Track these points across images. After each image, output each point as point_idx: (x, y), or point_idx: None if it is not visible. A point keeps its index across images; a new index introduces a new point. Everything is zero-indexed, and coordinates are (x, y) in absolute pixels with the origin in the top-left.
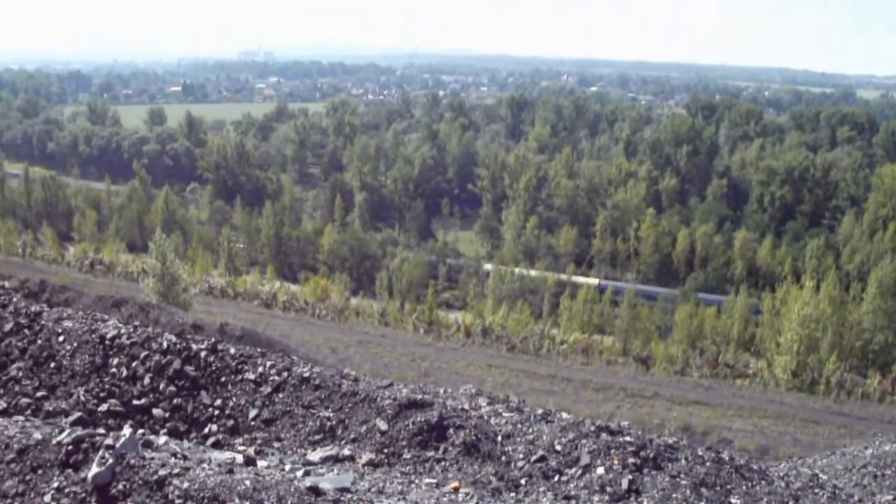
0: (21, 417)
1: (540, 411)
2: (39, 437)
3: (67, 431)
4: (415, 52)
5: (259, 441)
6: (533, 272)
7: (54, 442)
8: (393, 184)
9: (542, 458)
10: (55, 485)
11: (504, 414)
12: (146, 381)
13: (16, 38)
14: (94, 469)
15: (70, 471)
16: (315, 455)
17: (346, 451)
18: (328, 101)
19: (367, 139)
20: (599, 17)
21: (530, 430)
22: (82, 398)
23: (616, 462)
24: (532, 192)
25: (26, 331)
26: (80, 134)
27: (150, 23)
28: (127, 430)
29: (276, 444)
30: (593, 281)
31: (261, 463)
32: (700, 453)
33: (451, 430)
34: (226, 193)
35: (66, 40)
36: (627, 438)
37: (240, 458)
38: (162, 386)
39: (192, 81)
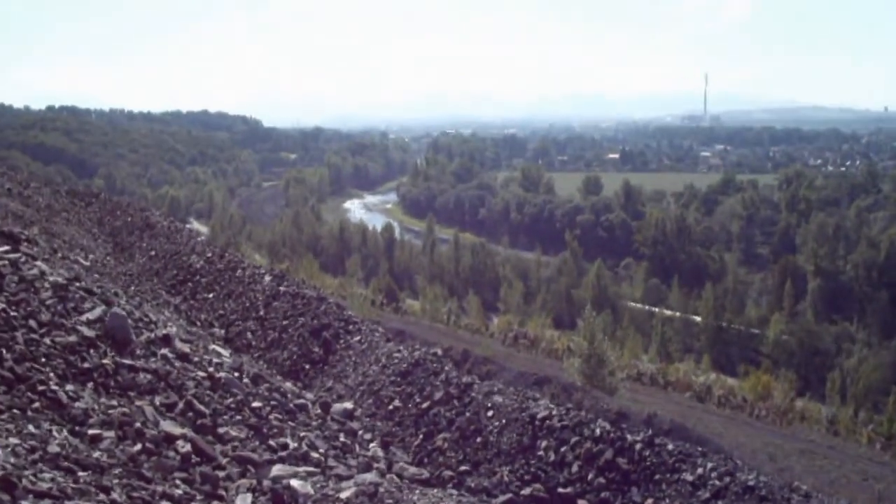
0: (455, 491)
1: None
2: None
3: None
4: (884, 115)
5: None
6: None
7: None
8: (854, 269)
9: None
10: None
11: None
12: (574, 468)
13: (463, 104)
14: None
15: None
16: None
17: None
18: (781, 172)
19: (824, 217)
20: None
21: None
22: (506, 478)
23: None
24: None
25: (456, 402)
26: (512, 200)
27: (584, 84)
28: None
29: None
30: None
31: None
32: None
33: None
34: (662, 271)
35: (506, 107)
36: None
37: None
38: (591, 476)
39: (630, 148)
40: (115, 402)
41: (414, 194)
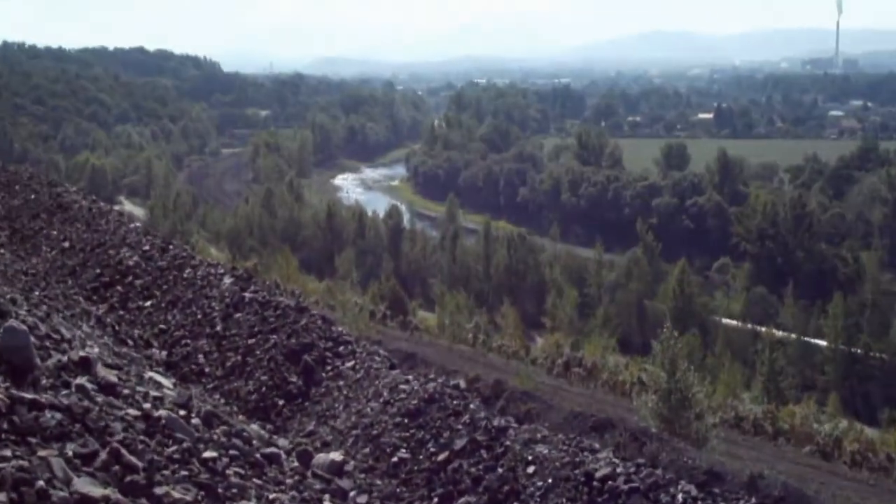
0: None
1: None
2: None
3: None
4: None
5: None
6: None
7: None
8: None
9: None
10: None
11: None
12: None
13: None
14: None
15: None
16: None
17: None
18: None
19: None
20: None
21: None
22: None
23: None
24: None
25: (484, 453)
26: (564, 177)
27: (666, 18)
28: None
29: None
30: None
31: None
32: None
33: None
34: (773, 276)
35: (558, 48)
36: None
37: None
38: None
39: (729, 105)
40: (8, 453)
41: (429, 167)
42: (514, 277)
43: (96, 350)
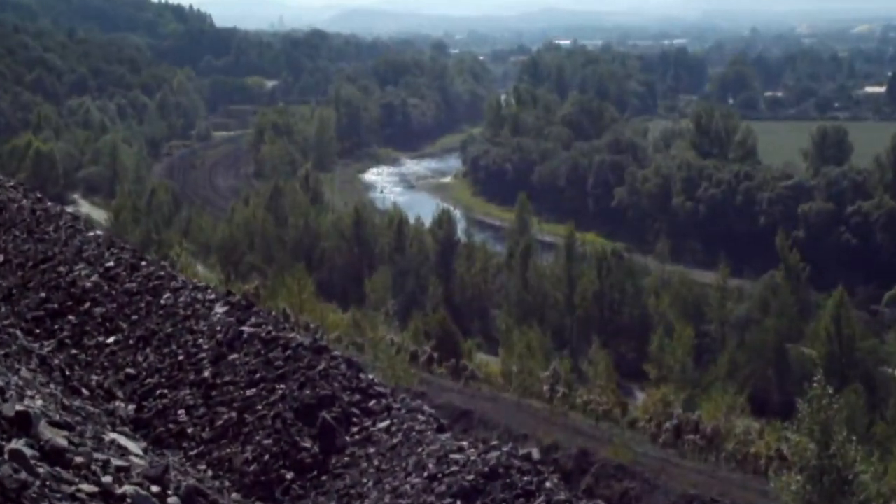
0: None
1: None
2: None
3: None
4: None
5: None
6: None
7: None
8: None
9: None
10: None
11: None
12: None
13: None
14: None
15: None
16: None
17: None
18: None
19: None
20: None
21: None
22: None
23: None
24: None
25: None
26: (677, 174)
27: None
28: None
29: None
30: None
31: None
32: None
33: None
34: None
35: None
36: None
37: None
38: None
39: None
40: None
41: (493, 159)
42: (607, 309)
43: (39, 403)
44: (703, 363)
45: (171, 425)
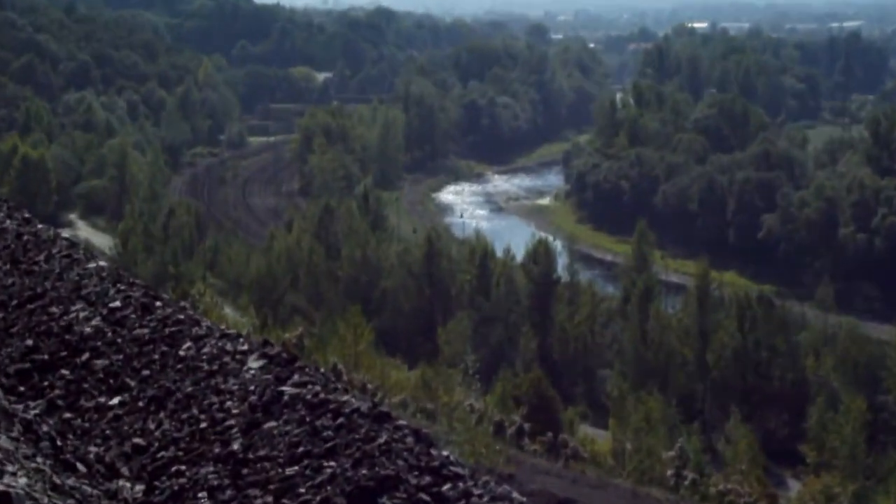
0: None
1: None
2: None
3: None
4: None
5: None
6: None
7: None
8: None
9: None
10: None
11: None
12: None
13: None
14: None
15: None
16: None
17: None
18: None
19: None
20: None
21: None
22: None
23: None
24: None
25: None
26: (846, 197)
27: None
28: None
29: None
30: None
31: None
32: None
33: None
34: None
35: None
36: None
37: None
38: None
39: None
40: None
41: (605, 176)
42: (751, 372)
43: (23, 481)
44: (879, 445)
45: None
